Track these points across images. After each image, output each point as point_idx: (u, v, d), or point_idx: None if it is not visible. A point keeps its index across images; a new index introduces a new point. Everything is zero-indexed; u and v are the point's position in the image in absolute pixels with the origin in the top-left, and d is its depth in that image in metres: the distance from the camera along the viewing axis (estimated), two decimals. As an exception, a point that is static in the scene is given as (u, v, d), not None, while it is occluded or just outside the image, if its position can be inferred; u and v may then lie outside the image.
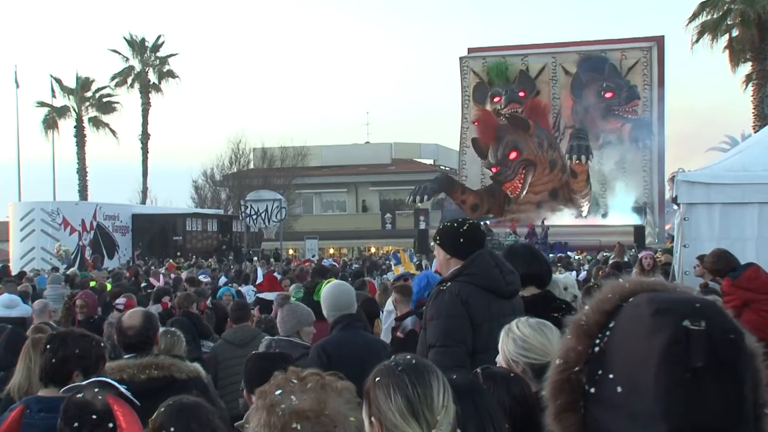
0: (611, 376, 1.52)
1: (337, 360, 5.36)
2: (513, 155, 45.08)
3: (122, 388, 3.66)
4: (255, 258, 36.85)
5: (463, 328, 4.99)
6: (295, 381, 2.42)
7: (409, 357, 2.70)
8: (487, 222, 40.65)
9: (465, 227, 5.37)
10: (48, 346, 4.40)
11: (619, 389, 1.50)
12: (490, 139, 45.46)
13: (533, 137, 45.52)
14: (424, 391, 2.57)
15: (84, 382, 3.86)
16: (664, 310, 1.49)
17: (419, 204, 46.69)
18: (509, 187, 45.93)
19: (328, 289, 6.32)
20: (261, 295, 11.62)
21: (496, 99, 47.68)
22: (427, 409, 2.55)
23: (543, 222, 41.27)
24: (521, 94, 47.58)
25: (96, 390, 3.48)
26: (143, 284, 19.01)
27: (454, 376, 2.86)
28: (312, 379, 2.42)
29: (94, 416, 3.35)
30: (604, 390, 1.52)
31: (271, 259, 36.46)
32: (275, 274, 16.94)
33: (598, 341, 1.55)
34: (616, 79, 47.69)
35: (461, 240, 5.31)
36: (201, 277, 20.52)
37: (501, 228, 42.20)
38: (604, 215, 44.90)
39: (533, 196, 46.11)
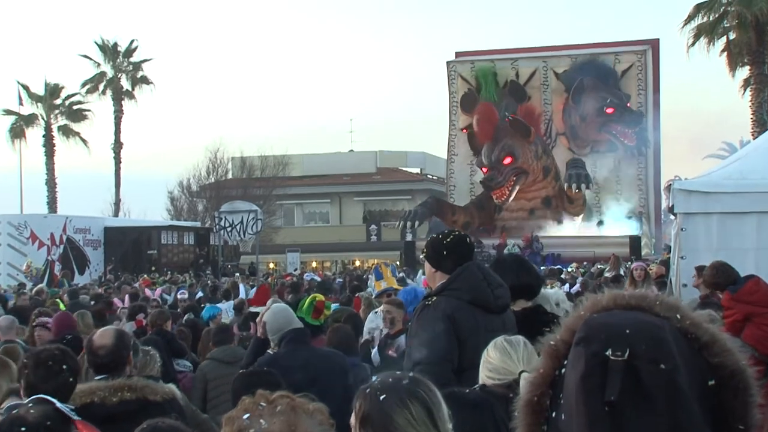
0: (562, 402, 1.49)
1: (286, 373, 5.41)
2: (507, 160, 45.11)
3: (60, 405, 3.80)
4: (238, 273, 36.70)
5: (449, 344, 4.99)
6: (264, 404, 2.37)
7: (401, 372, 2.75)
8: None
9: (449, 239, 5.39)
10: (65, 366, 4.57)
11: (563, 417, 1.48)
12: (487, 137, 45.47)
13: (531, 145, 45.62)
14: (438, 399, 2.64)
15: (26, 400, 4.01)
16: (587, 337, 1.46)
17: (409, 230, 46.59)
18: (497, 193, 46.07)
19: (266, 315, 6.66)
20: (255, 309, 11.60)
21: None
22: (441, 418, 2.61)
23: (536, 236, 41.27)
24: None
25: (30, 405, 3.69)
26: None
27: (467, 391, 2.92)
28: (282, 402, 2.38)
29: (23, 428, 3.54)
30: (558, 416, 1.50)
31: (247, 273, 36.34)
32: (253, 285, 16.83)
33: (566, 362, 1.52)
34: (617, 91, 47.77)
35: (444, 253, 5.34)
36: (179, 294, 20.44)
37: (492, 239, 42.21)
38: (600, 223, 44.74)
39: (525, 203, 46.29)
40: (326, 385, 5.39)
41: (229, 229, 40.58)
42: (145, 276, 32.45)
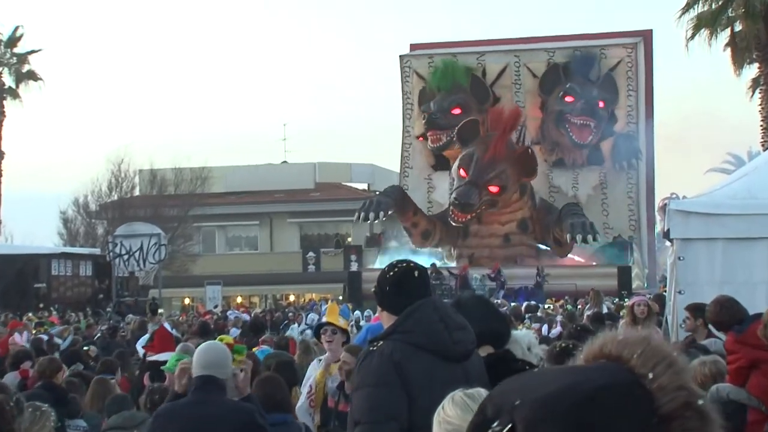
0: None
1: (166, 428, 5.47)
2: (494, 189, 44.12)
3: None
4: (131, 315, 36.15)
5: (396, 399, 4.97)
6: None
7: None
8: (435, 264, 40.71)
9: (392, 273, 5.38)
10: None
11: None
12: (499, 154, 43.65)
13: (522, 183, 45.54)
14: None
15: None
16: (483, 404, 1.58)
17: (373, 222, 46.13)
18: (458, 215, 45.13)
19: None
20: (152, 358, 11.43)
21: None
22: None
23: (542, 269, 41.17)
24: (455, 111, 47.73)
25: None
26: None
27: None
28: None
29: None
30: None
31: (148, 313, 35.87)
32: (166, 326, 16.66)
33: None
34: (601, 91, 48.20)
35: (388, 289, 5.34)
36: (57, 340, 20.18)
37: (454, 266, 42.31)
38: (589, 239, 44.09)
39: (499, 228, 45.84)
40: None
41: (125, 256, 40.16)
42: (30, 314, 32.01)
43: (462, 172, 44.33)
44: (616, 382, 1.58)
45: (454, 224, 45.57)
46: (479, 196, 43.66)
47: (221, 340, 8.29)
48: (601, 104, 47.31)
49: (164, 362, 10.43)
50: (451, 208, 44.80)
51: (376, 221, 46.38)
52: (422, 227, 47.01)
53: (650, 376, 1.61)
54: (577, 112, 46.65)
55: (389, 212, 45.80)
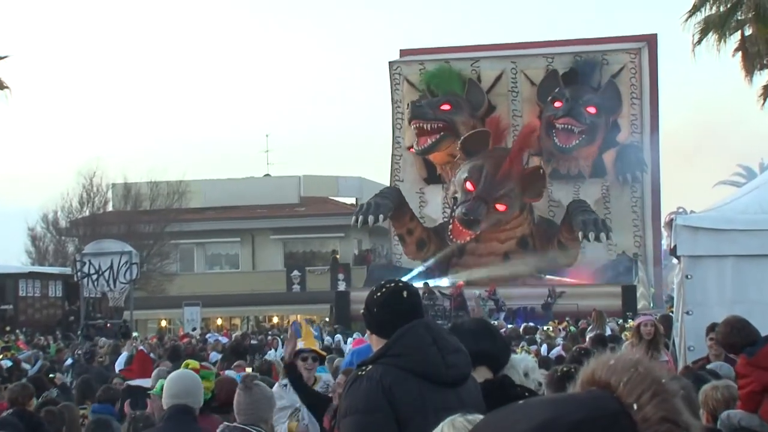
0: None
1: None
2: (501, 208, 44.39)
3: None
4: (135, 334, 36.12)
5: (385, 426, 4.97)
6: None
7: None
8: (428, 283, 40.67)
9: (380, 293, 5.39)
10: None
11: None
12: (513, 171, 43.93)
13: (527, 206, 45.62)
14: None
15: None
16: None
17: (373, 225, 46.02)
18: (458, 232, 45.10)
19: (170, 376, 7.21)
20: (133, 383, 11.43)
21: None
22: None
23: (553, 290, 41.11)
24: (445, 107, 47.58)
25: None
26: None
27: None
28: None
29: None
30: None
31: (119, 336, 35.76)
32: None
33: None
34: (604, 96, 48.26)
35: (375, 310, 5.35)
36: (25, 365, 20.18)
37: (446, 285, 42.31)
38: (602, 237, 43.77)
39: (498, 246, 45.76)
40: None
41: (94, 276, 39.95)
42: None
43: (469, 185, 44.20)
44: (598, 414, 1.60)
45: (451, 242, 45.64)
46: (487, 213, 43.82)
47: (187, 365, 8.32)
48: (591, 110, 46.87)
49: (145, 388, 10.44)
50: (453, 222, 44.74)
51: (376, 223, 46.23)
52: (418, 235, 46.94)
53: (635, 406, 1.63)
54: (560, 115, 46.57)
55: (389, 213, 45.79)
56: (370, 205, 46.07)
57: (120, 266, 40.00)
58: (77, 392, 14.15)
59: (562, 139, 46.85)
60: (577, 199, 46.32)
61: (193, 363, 8.59)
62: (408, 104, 48.81)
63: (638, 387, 1.63)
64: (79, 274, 40.36)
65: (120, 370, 17.53)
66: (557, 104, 46.75)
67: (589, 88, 48.14)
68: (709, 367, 9.92)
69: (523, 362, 6.25)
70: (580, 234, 43.19)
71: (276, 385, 9.74)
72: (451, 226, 45.16)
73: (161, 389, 7.55)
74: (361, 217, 45.60)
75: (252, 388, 7.59)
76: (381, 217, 45.49)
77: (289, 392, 9.29)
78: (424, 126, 46.56)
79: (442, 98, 47.55)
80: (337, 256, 62.24)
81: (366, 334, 6.42)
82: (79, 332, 39.61)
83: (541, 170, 44.86)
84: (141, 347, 23.10)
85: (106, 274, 39.94)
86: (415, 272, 44.31)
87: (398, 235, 47.92)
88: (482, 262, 45.82)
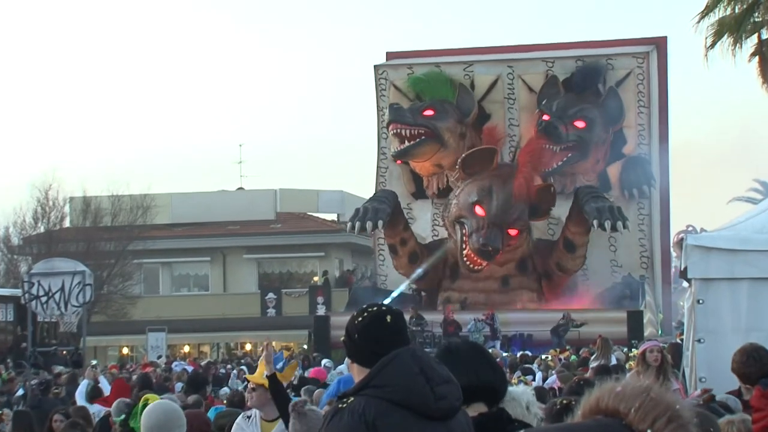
0: None
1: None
2: (513, 233, 44.75)
3: None
4: (94, 362, 36.01)
5: (367, 463, 4.96)
6: None
7: None
8: (415, 307, 40.69)
9: (361, 317, 5.40)
10: None
11: None
12: (530, 193, 44.34)
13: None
14: None
15: None
16: None
17: (371, 232, 45.88)
18: (472, 259, 44.91)
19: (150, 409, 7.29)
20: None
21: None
22: None
23: (568, 315, 41.01)
24: (428, 112, 47.52)
25: None
26: None
27: None
28: None
29: None
30: None
31: (69, 365, 35.59)
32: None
33: None
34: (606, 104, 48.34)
35: (356, 337, 5.37)
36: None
37: (435, 313, 42.38)
38: (619, 226, 43.65)
39: (496, 269, 45.75)
40: None
41: (43, 298, 39.66)
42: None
43: (479, 210, 44.32)
44: None
45: (468, 268, 45.40)
46: (502, 242, 43.97)
47: (147, 399, 8.36)
48: (579, 124, 46.38)
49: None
50: (467, 254, 44.72)
51: (375, 230, 46.12)
52: (411, 247, 46.76)
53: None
54: (539, 134, 46.37)
55: (386, 219, 45.47)
56: (366, 210, 45.52)
57: (72, 287, 39.63)
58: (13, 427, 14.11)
59: (546, 160, 46.44)
60: (586, 185, 46.16)
61: (153, 397, 8.63)
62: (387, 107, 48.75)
63: (651, 413, 1.65)
64: (27, 296, 39.78)
65: (91, 399, 17.49)
66: (545, 117, 46.57)
67: (589, 96, 48.10)
68: (719, 399, 9.92)
69: (524, 395, 6.23)
70: (595, 222, 42.85)
71: (240, 416, 9.78)
72: (465, 257, 45.14)
73: (122, 421, 7.64)
74: (358, 224, 45.14)
75: (306, 414, 7.89)
76: (380, 222, 45.07)
77: (251, 425, 9.32)
78: (402, 131, 46.28)
79: (426, 103, 47.41)
80: (316, 278, 62.26)
81: (345, 362, 6.48)
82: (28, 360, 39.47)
83: (552, 188, 44.85)
84: (102, 377, 23.07)
85: (57, 296, 39.52)
86: (402, 287, 44.55)
87: (390, 245, 47.40)
88: (480, 287, 45.84)
